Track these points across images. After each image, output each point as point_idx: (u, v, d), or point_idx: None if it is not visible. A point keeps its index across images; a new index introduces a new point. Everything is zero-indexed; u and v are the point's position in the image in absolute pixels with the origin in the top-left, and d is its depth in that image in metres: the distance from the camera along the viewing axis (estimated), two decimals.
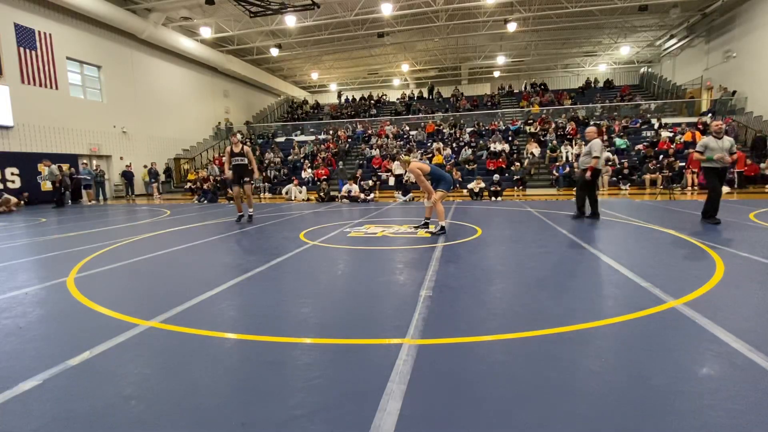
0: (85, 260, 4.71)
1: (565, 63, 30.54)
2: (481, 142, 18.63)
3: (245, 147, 7.58)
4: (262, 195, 16.98)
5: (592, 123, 18.23)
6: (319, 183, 16.14)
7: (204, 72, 23.85)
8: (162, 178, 20.05)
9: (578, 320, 2.53)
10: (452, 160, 17.15)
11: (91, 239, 6.33)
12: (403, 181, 15.14)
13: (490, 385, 1.83)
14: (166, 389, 1.86)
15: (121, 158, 18.44)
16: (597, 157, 6.73)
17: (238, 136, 7.85)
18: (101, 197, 16.67)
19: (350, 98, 29.64)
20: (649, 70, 27.48)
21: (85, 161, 16.47)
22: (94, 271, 4.16)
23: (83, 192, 15.83)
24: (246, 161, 7.55)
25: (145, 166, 18.89)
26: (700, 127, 16.84)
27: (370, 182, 15.75)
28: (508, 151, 17.38)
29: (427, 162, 7.19)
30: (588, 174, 6.85)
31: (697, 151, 6.14)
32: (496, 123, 20.89)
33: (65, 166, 15.43)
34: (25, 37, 14.59)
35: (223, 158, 7.76)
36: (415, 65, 29.28)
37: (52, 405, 1.74)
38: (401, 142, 19.72)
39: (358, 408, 1.67)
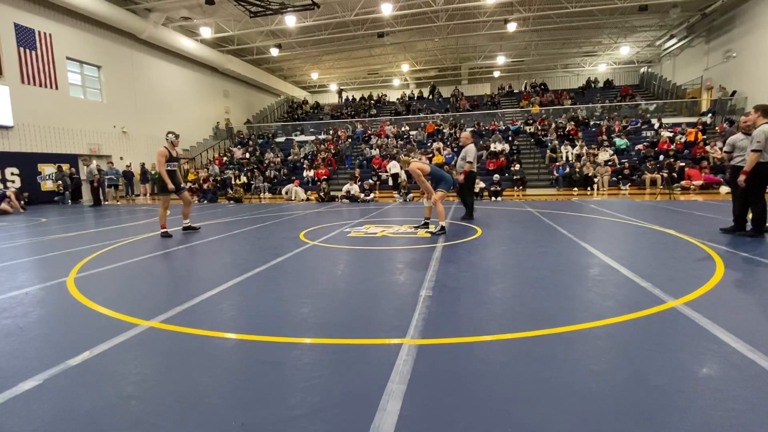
0: (85, 260, 4.71)
1: (565, 63, 30.53)
2: (481, 142, 18.63)
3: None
4: (262, 195, 16.99)
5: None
6: (319, 183, 16.13)
7: (204, 72, 23.84)
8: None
9: (578, 320, 2.53)
10: (454, 160, 17.13)
11: (91, 239, 6.33)
12: (399, 181, 15.05)
13: (490, 385, 1.83)
14: (166, 389, 1.86)
15: (121, 158, 18.43)
16: (471, 162, 7.20)
17: (170, 137, 6.52)
18: (102, 197, 16.68)
19: (350, 98, 29.63)
20: (649, 70, 27.47)
21: (110, 161, 16.70)
22: (94, 271, 4.16)
23: (107, 191, 15.91)
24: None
25: (143, 164, 18.88)
26: (700, 127, 16.85)
27: (371, 181, 15.74)
28: (508, 151, 17.38)
29: (427, 162, 7.20)
30: (461, 177, 7.27)
31: (755, 150, 4.83)
32: (496, 123, 20.89)
33: (65, 166, 15.48)
34: (25, 37, 14.59)
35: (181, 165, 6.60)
36: (415, 65, 29.27)
37: (52, 405, 1.74)
38: (401, 142, 19.70)
39: (358, 408, 1.67)
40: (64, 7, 15.40)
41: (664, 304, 2.77)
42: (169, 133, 6.57)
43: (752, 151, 4.85)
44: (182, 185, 6.64)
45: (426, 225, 6.32)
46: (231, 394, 1.80)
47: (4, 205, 11.73)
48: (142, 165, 18.66)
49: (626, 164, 14.89)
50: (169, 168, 6.42)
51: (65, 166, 15.47)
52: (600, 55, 28.37)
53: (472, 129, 20.49)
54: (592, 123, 19.83)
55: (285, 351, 2.23)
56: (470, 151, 7.11)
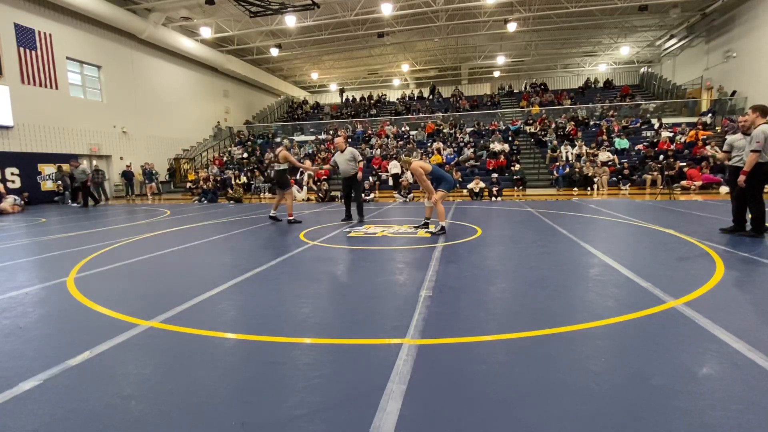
0: (85, 260, 4.71)
1: (565, 63, 30.54)
2: (481, 142, 18.62)
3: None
4: (261, 195, 16.99)
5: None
6: (319, 183, 16.13)
7: (204, 72, 23.83)
8: (162, 177, 20.07)
9: (578, 320, 2.53)
10: (455, 159, 17.12)
11: (91, 239, 6.32)
12: (400, 180, 15.04)
13: (490, 385, 1.83)
14: (166, 389, 1.86)
15: (121, 158, 18.43)
16: (360, 162, 7.42)
17: (286, 142, 8.03)
18: (102, 197, 16.67)
19: (350, 98, 29.63)
20: (649, 70, 27.47)
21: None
22: (94, 271, 4.16)
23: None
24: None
25: (143, 166, 18.86)
26: (700, 127, 16.84)
27: (371, 180, 15.73)
28: (508, 151, 17.38)
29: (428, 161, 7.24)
30: (360, 176, 7.44)
31: (754, 150, 4.77)
32: (496, 123, 20.88)
33: (65, 166, 15.46)
34: (25, 37, 14.58)
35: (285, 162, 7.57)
36: (415, 65, 29.27)
37: (52, 405, 1.74)
38: (401, 142, 19.69)
39: (358, 408, 1.67)
40: (64, 7, 15.40)
41: (664, 304, 2.77)
42: (284, 139, 7.45)
43: (751, 151, 4.84)
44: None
45: (426, 225, 6.32)
46: (231, 394, 1.80)
47: (5, 205, 11.73)
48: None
49: (626, 164, 14.88)
50: (282, 167, 7.45)
51: (65, 166, 15.45)
52: (600, 55, 28.38)
53: (471, 129, 20.52)
54: (592, 123, 19.82)
55: (285, 351, 2.23)
56: (357, 153, 7.41)
